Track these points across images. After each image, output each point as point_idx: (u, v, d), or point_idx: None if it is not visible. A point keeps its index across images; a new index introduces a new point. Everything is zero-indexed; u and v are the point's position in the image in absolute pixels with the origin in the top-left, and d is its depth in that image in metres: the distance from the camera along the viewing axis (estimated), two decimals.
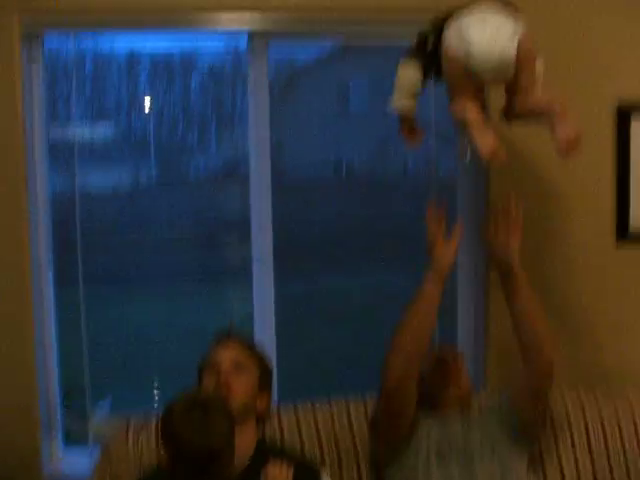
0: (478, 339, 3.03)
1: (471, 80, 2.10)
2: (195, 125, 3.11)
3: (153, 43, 3.03)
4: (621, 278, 2.99)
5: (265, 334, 2.89)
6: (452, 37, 2.08)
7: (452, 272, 2.39)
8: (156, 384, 3.07)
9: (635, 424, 2.67)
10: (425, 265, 2.31)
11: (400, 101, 2.22)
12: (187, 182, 3.15)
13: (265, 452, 2.07)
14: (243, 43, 2.87)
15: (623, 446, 2.64)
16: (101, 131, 3.07)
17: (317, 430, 2.51)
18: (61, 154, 2.91)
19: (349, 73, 3.25)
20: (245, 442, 2.04)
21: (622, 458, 2.62)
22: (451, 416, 2.38)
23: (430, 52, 2.14)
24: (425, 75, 2.19)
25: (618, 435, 2.64)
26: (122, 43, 3.01)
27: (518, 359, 2.53)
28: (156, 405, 3.07)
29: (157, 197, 3.07)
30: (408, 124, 2.30)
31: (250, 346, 2.22)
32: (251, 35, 2.85)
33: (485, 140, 2.10)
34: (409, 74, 2.18)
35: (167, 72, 3.10)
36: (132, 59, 3.04)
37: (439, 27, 2.12)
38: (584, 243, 2.96)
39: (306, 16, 2.79)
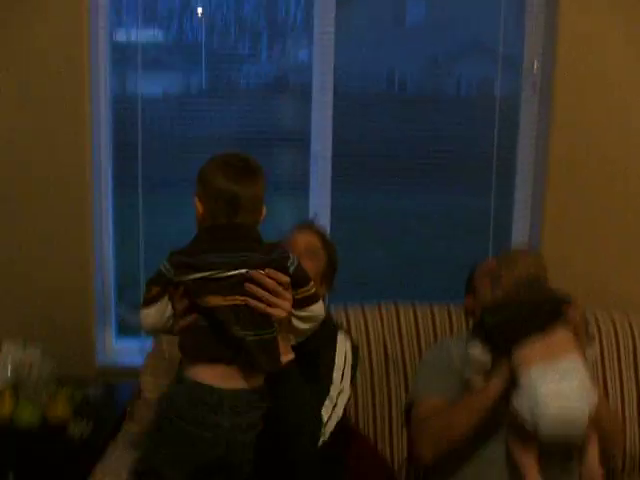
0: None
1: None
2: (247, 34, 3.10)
3: None
4: None
5: None
6: (522, 404, 1.97)
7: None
8: None
9: None
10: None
11: (471, 375, 2.19)
12: (245, 91, 3.13)
13: None
14: None
15: None
16: (155, 36, 3.06)
17: (367, 331, 2.60)
18: (120, 58, 2.93)
19: None
20: None
21: None
22: None
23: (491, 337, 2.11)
24: (494, 353, 2.11)
25: None
26: None
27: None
28: None
29: (216, 104, 3.05)
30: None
31: (325, 238, 2.25)
32: None
33: None
34: (477, 356, 2.12)
35: None
36: None
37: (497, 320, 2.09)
38: None
39: None
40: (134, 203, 2.97)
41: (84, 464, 2.21)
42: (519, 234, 3.10)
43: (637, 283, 3.03)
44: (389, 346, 2.59)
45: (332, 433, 1.99)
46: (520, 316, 2.06)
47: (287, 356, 1.83)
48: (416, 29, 3.25)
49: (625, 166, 2.96)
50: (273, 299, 1.70)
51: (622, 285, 3.01)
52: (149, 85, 3.02)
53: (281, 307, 1.72)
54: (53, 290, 2.88)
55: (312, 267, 2.07)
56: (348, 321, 2.60)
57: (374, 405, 2.56)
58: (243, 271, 1.68)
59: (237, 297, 1.68)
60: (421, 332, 2.63)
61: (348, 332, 2.35)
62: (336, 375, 2.08)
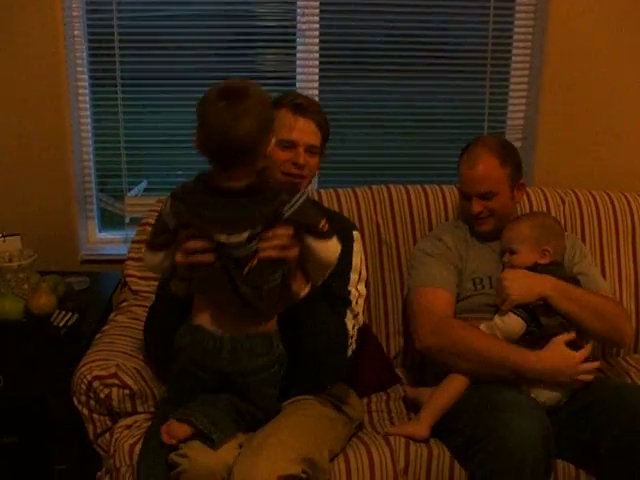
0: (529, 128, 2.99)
1: None
2: None
3: None
4: None
5: None
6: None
7: None
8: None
9: None
10: None
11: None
12: None
13: None
14: None
15: None
16: None
17: (359, 214, 2.52)
18: None
19: None
20: None
21: None
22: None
23: None
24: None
25: None
26: None
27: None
28: None
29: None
30: None
31: (322, 124, 2.02)
32: None
33: None
34: (515, 328, 2.09)
35: None
36: None
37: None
38: None
39: None
40: (112, 97, 2.84)
41: (71, 354, 2.15)
42: (515, 120, 3.00)
43: (635, 162, 2.96)
44: (382, 229, 2.52)
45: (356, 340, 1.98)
46: None
47: (304, 290, 1.77)
48: None
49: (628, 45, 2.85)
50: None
51: (620, 165, 2.94)
52: None
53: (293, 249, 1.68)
54: (32, 183, 2.79)
55: (315, 164, 2.00)
56: (340, 205, 2.52)
57: (368, 291, 2.47)
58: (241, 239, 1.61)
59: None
60: (415, 214, 2.55)
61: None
62: (353, 277, 2.01)
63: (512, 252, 2.20)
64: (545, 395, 2.02)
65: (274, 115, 1.71)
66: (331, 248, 1.71)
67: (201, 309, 1.71)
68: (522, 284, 2.10)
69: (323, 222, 1.68)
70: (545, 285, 2.09)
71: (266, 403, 1.78)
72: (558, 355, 2.03)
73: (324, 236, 1.69)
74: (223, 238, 1.60)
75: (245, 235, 1.60)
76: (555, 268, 2.17)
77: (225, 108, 1.57)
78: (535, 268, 2.15)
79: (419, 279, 2.27)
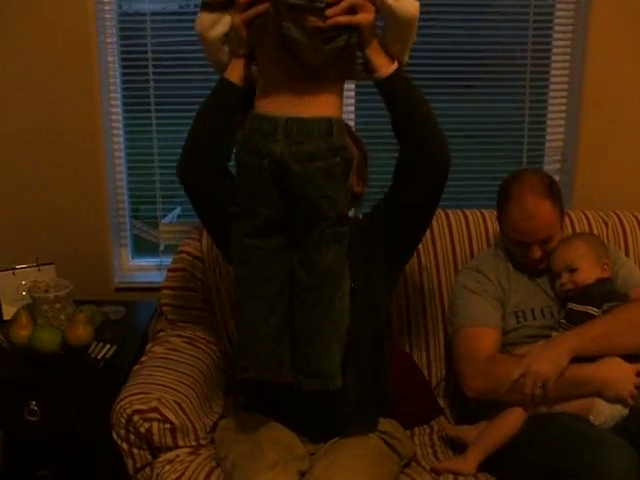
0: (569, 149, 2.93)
1: None
2: None
3: None
4: None
5: None
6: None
7: None
8: None
9: None
10: None
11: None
12: None
13: None
14: None
15: None
16: None
17: None
18: None
19: None
20: None
21: None
22: None
23: None
24: None
25: None
26: None
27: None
28: None
29: None
30: None
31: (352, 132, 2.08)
32: None
33: None
34: None
35: None
36: None
37: None
38: None
39: None
40: (146, 121, 2.83)
41: (108, 387, 2.13)
42: (554, 142, 2.94)
43: None
44: (422, 255, 2.47)
45: None
46: None
47: (388, 67, 1.71)
48: None
49: None
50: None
51: None
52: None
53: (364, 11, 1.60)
54: (65, 210, 2.77)
55: None
56: None
57: (408, 313, 2.46)
58: None
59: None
60: (455, 239, 2.50)
61: None
62: None
63: (572, 270, 2.15)
64: (606, 411, 1.96)
65: None
66: None
67: (261, 97, 1.68)
68: (549, 361, 2.00)
69: None
70: (566, 348, 2.01)
71: (326, 205, 1.66)
72: (614, 364, 2.00)
73: None
74: None
75: None
76: (612, 283, 2.16)
77: None
78: (595, 285, 2.12)
79: (462, 320, 2.23)
